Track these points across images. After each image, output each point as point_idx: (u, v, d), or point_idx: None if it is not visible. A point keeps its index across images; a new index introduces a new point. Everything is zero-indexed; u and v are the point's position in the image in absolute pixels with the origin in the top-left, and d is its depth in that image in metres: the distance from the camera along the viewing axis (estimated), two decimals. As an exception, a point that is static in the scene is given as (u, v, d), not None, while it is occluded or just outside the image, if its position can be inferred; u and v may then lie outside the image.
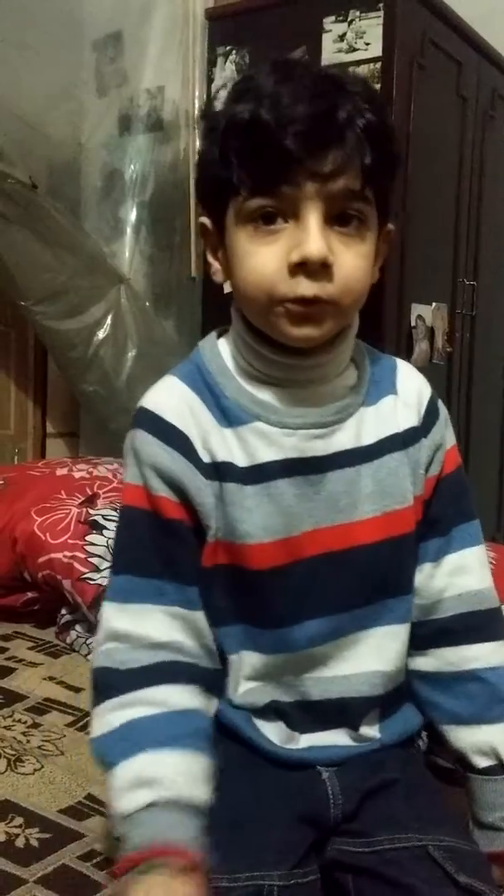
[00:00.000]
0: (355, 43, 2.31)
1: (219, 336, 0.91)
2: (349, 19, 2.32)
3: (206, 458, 0.84)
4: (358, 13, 2.30)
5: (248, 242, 0.79)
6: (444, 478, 0.92)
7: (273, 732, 0.87)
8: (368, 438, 0.87)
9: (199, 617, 0.85)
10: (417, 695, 0.93)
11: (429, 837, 0.78)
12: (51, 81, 2.60)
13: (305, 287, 0.77)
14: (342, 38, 2.32)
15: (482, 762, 0.87)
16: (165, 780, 0.75)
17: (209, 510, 0.84)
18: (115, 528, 0.91)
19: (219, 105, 0.82)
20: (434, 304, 2.60)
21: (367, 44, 2.30)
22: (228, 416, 0.85)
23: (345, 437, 0.86)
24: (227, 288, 0.87)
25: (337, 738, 0.88)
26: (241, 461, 0.84)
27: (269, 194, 0.77)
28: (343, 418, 0.86)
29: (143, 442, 0.84)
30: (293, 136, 0.74)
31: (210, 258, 0.87)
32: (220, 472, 0.84)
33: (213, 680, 0.86)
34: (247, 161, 0.77)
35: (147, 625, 0.82)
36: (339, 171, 0.76)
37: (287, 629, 0.85)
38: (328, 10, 2.35)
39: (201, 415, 0.85)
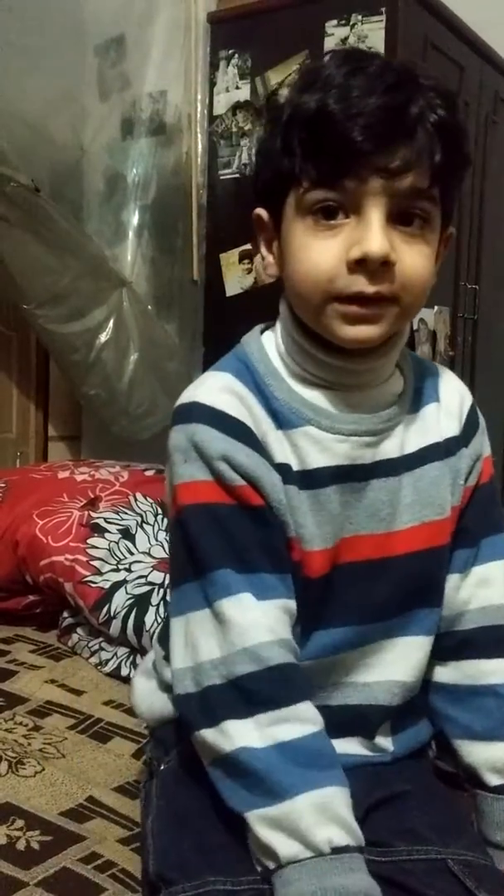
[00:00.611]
0: (357, 46, 2.31)
1: (262, 331, 0.88)
2: (351, 23, 2.32)
3: (271, 458, 0.81)
4: (360, 17, 2.31)
5: (306, 236, 0.77)
6: (479, 488, 0.91)
7: None
8: (411, 447, 0.86)
9: (294, 606, 0.81)
10: (433, 706, 0.91)
11: (448, 851, 0.77)
12: (53, 85, 2.60)
13: (364, 284, 0.75)
14: (344, 41, 2.32)
15: (494, 780, 0.86)
16: (353, 824, 0.72)
17: (285, 507, 0.81)
18: (173, 538, 0.84)
19: (281, 98, 0.79)
20: (436, 307, 2.60)
21: (370, 47, 2.29)
22: (279, 418, 0.82)
23: (390, 446, 0.84)
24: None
25: (350, 746, 0.87)
26: (295, 465, 0.82)
27: (331, 187, 0.74)
28: (392, 426, 0.84)
29: (210, 437, 0.79)
30: (361, 129, 0.71)
31: (264, 251, 0.84)
32: (281, 473, 0.81)
33: None
34: (311, 152, 0.74)
35: (270, 621, 0.77)
36: (407, 167, 0.73)
37: (315, 634, 0.84)
38: (330, 13, 2.35)
39: (258, 414, 0.82)
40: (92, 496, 1.83)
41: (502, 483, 3.39)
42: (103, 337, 2.52)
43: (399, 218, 0.76)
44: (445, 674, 0.91)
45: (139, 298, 2.63)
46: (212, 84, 2.62)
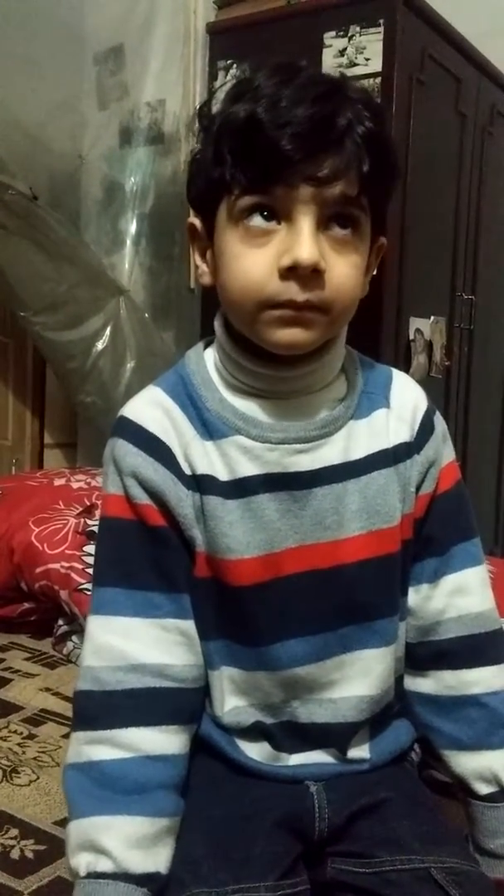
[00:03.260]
0: (355, 58, 2.32)
1: (206, 346, 0.89)
2: (349, 35, 2.33)
3: (187, 470, 0.82)
4: (358, 29, 2.32)
5: (239, 244, 0.77)
6: (439, 496, 0.89)
7: (258, 752, 0.86)
8: (357, 453, 0.85)
9: (190, 626, 0.82)
10: (417, 718, 0.91)
11: (431, 858, 0.76)
12: (52, 94, 2.62)
13: (296, 292, 0.75)
14: (342, 53, 2.34)
15: (483, 789, 0.86)
16: (115, 852, 0.74)
17: (191, 521, 0.82)
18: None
19: (215, 108, 0.80)
20: (432, 317, 2.61)
21: (368, 59, 2.31)
22: (210, 428, 0.83)
23: (332, 452, 0.84)
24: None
25: (325, 757, 0.87)
26: (223, 475, 0.82)
27: (262, 192, 0.75)
28: (330, 432, 0.84)
29: (124, 452, 0.82)
30: (290, 137, 0.72)
31: (198, 260, 0.85)
32: (201, 484, 0.82)
33: (197, 701, 0.84)
34: (241, 158, 0.75)
35: (135, 642, 0.80)
36: (336, 176, 0.74)
37: (268, 647, 0.83)
38: (329, 25, 2.36)
39: (183, 426, 0.83)
40: (88, 504, 1.83)
41: (497, 491, 3.39)
42: (100, 345, 2.52)
43: (329, 227, 0.76)
44: (426, 684, 0.90)
45: (136, 306, 2.64)
46: (210, 94, 2.62)
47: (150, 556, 0.82)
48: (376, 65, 2.30)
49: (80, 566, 1.64)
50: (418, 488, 0.88)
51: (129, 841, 0.74)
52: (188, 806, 0.80)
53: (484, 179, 2.86)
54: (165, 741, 0.79)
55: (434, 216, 2.59)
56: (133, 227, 2.73)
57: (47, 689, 1.47)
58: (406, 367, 2.45)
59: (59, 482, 1.98)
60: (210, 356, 0.88)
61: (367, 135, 0.75)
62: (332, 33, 2.36)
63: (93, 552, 1.64)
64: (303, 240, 0.74)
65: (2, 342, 2.78)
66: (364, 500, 0.84)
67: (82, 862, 0.74)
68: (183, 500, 0.82)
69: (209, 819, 0.79)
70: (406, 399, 0.89)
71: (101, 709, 0.79)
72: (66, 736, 1.29)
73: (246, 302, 0.77)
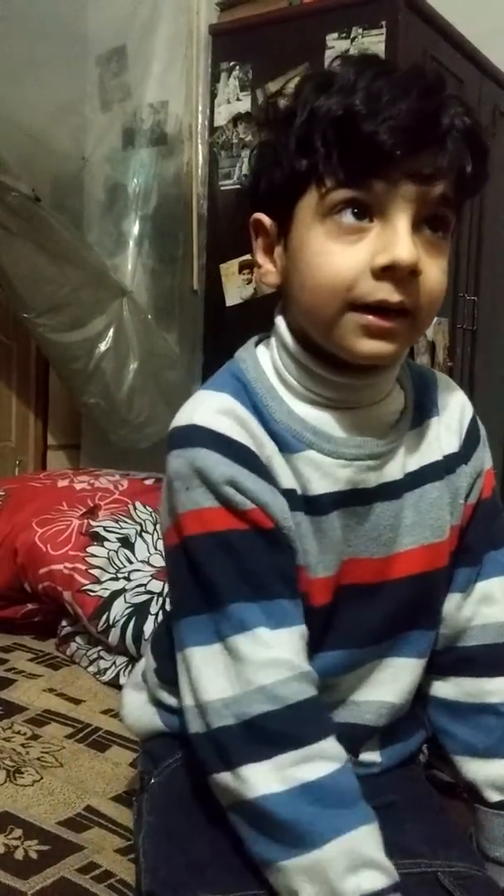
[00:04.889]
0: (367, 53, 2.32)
1: (256, 344, 0.84)
2: (351, 36, 2.33)
3: (276, 483, 0.77)
4: (360, 30, 2.32)
5: (327, 241, 0.72)
6: (481, 503, 0.88)
7: None
8: (412, 465, 0.82)
9: (306, 631, 0.77)
10: (432, 721, 0.91)
11: (438, 863, 0.76)
12: (55, 95, 2.62)
13: (389, 292, 0.71)
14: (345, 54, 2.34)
15: (494, 796, 0.85)
16: (384, 863, 0.69)
17: (294, 534, 0.77)
18: (175, 568, 0.78)
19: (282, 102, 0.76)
20: (435, 318, 2.60)
21: (370, 60, 2.31)
22: (279, 441, 0.77)
23: (393, 468, 0.81)
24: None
25: None
26: (299, 490, 0.78)
27: (358, 187, 0.70)
28: (396, 447, 0.81)
29: (213, 462, 0.74)
30: (394, 131, 0.68)
31: (262, 258, 0.80)
32: (288, 498, 0.77)
33: None
34: (338, 151, 0.70)
35: (289, 653, 0.73)
36: (439, 175, 0.71)
37: (312, 660, 0.80)
38: (331, 26, 2.36)
39: (261, 437, 0.77)
40: (91, 505, 1.83)
41: (501, 494, 3.40)
42: (103, 346, 2.53)
43: (422, 223, 0.73)
44: (445, 689, 0.90)
45: (139, 308, 2.64)
46: (213, 95, 2.63)
47: (272, 562, 0.75)
48: (378, 66, 2.30)
49: (84, 567, 1.64)
50: (466, 498, 0.86)
51: (381, 848, 0.70)
52: (195, 811, 0.80)
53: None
54: (341, 748, 0.75)
55: (436, 217, 2.59)
56: (136, 229, 2.73)
57: (51, 690, 1.47)
58: (409, 368, 2.45)
59: (62, 483, 1.98)
60: (266, 360, 0.82)
61: (468, 134, 0.72)
62: (335, 35, 2.36)
63: (96, 553, 1.66)
64: (402, 239, 0.70)
65: (5, 344, 2.78)
66: (417, 514, 0.82)
67: (357, 883, 0.67)
68: (285, 512, 0.76)
69: (215, 824, 0.78)
70: (453, 406, 0.87)
71: (295, 725, 0.72)
72: (70, 736, 1.29)
73: (331, 303, 0.73)
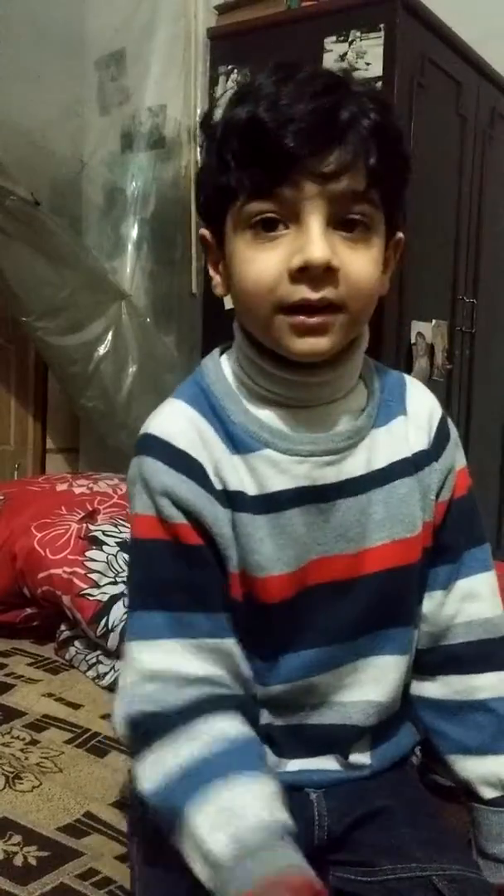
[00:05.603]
0: (356, 63, 2.32)
1: (221, 353, 0.87)
2: (350, 39, 2.34)
3: (218, 486, 0.80)
4: (358, 33, 2.32)
5: (247, 249, 0.75)
6: (454, 501, 0.89)
7: None
8: (379, 462, 0.83)
9: (231, 644, 0.80)
10: (423, 722, 0.91)
11: (433, 866, 0.76)
12: (54, 99, 2.62)
13: (307, 291, 0.73)
14: (343, 57, 2.34)
15: (489, 793, 0.85)
16: (248, 812, 0.69)
17: (228, 541, 0.79)
18: (129, 561, 0.84)
19: (219, 115, 0.78)
20: (434, 321, 2.61)
21: (368, 63, 2.31)
22: (236, 442, 0.80)
23: (356, 463, 0.82)
24: (227, 304, 0.84)
25: (326, 763, 0.86)
26: (252, 490, 0.80)
27: (268, 197, 0.73)
28: (355, 443, 0.82)
29: (154, 470, 0.79)
30: (292, 134, 0.70)
31: (211, 271, 0.83)
32: (232, 500, 0.79)
33: (251, 709, 0.82)
34: (244, 163, 0.73)
35: (181, 661, 0.77)
36: (342, 170, 0.72)
37: (284, 658, 0.83)
38: (329, 30, 2.37)
39: (211, 441, 0.80)
40: (90, 509, 1.83)
41: (500, 496, 3.39)
42: (102, 349, 2.53)
43: (340, 225, 0.74)
44: (433, 689, 0.90)
45: (138, 311, 2.64)
46: (211, 98, 2.63)
47: (186, 577, 0.78)
48: (377, 69, 2.30)
49: (83, 571, 1.64)
50: (437, 495, 0.87)
51: (259, 798, 0.71)
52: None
53: (485, 182, 2.86)
54: (243, 727, 0.76)
55: (435, 219, 2.59)
56: (134, 232, 2.74)
57: (50, 695, 1.47)
58: (408, 371, 2.45)
59: (61, 487, 1.98)
60: (227, 365, 0.85)
61: (372, 127, 0.73)
62: (333, 38, 2.36)
63: (95, 557, 1.66)
64: (313, 238, 0.72)
65: (3, 347, 2.78)
66: (387, 509, 0.83)
67: (225, 836, 0.68)
68: (220, 519, 0.79)
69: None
70: (422, 406, 0.88)
71: (172, 719, 0.75)
72: (69, 742, 1.29)
73: (260, 307, 0.75)
